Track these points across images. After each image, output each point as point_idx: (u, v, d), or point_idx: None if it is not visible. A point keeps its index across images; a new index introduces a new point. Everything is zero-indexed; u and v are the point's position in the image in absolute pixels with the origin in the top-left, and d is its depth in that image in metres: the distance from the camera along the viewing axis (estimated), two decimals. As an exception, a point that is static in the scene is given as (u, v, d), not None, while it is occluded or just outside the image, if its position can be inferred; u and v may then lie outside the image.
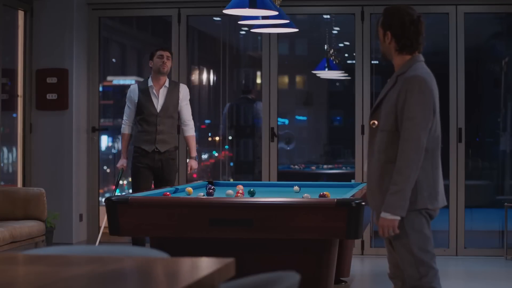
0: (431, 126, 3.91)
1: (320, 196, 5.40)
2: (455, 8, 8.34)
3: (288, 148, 10.84)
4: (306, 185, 6.60)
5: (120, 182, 7.50)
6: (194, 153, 7.26)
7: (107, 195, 9.18)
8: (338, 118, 12.56)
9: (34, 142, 8.69)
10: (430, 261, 3.94)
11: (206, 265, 2.35)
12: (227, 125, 9.93)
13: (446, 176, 5.45)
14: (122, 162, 7.22)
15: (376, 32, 4.13)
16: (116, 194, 7.13)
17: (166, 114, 7.12)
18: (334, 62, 9.95)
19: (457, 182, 8.25)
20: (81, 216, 8.78)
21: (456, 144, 8.28)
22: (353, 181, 7.21)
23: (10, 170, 8.96)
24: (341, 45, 11.00)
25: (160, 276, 2.21)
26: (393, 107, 3.91)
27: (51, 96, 8.63)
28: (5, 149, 8.83)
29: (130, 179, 7.56)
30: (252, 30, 7.08)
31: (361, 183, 6.80)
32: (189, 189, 6.05)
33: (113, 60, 11.22)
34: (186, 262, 2.40)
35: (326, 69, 10.01)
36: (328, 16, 10.11)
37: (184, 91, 7.23)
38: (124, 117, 7.23)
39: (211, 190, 5.94)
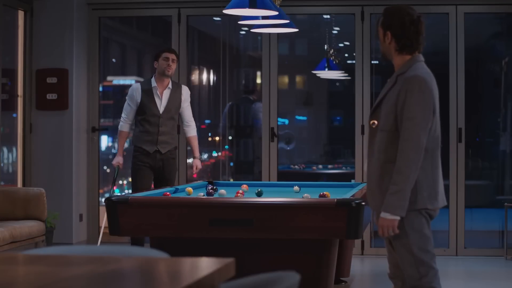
0: (431, 126, 3.91)
1: (320, 196, 5.40)
2: (455, 8, 8.34)
3: (288, 148, 10.83)
4: (306, 185, 6.60)
5: (120, 181, 7.49)
6: (197, 153, 7.27)
7: (107, 195, 9.18)
8: (338, 118, 12.56)
9: (34, 142, 8.69)
10: (430, 261, 3.94)
11: (206, 265, 2.34)
12: (227, 124, 9.93)
13: (446, 176, 5.46)
14: (118, 160, 7.17)
15: (376, 32, 4.13)
16: (115, 193, 7.12)
17: (168, 116, 7.12)
18: (334, 62, 9.95)
19: (457, 182, 8.25)
20: (81, 216, 8.78)
21: (456, 144, 8.28)
22: (353, 181, 7.21)
23: (10, 170, 8.97)
24: (341, 45, 11.00)
25: (160, 276, 2.21)
26: (393, 107, 3.91)
27: (51, 96, 8.63)
28: (5, 149, 8.83)
29: (130, 179, 7.55)
30: (252, 30, 7.08)
31: (361, 183, 6.80)
32: (189, 189, 6.05)
33: (113, 60, 11.22)
34: (186, 262, 2.40)
35: (326, 69, 10.01)
36: (328, 16, 10.11)
37: (185, 93, 7.24)
38: (123, 115, 7.17)
39: (211, 190, 5.94)
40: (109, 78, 10.87)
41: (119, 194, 7.26)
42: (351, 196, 5.27)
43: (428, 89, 3.89)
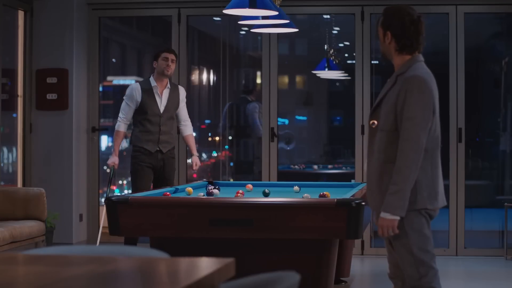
0: (431, 126, 3.91)
1: (320, 196, 5.40)
2: (455, 8, 8.34)
3: (288, 148, 10.83)
4: (306, 185, 6.60)
5: (120, 181, 7.48)
6: (195, 151, 7.30)
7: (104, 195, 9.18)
8: (338, 118, 12.55)
9: (34, 142, 8.69)
10: (430, 261, 3.94)
11: (206, 265, 2.34)
12: (227, 124, 9.93)
13: (446, 176, 5.46)
14: (113, 160, 7.13)
15: (376, 32, 4.13)
16: (114, 193, 7.11)
17: (168, 115, 7.15)
18: (334, 62, 9.95)
19: (457, 182, 8.25)
20: (81, 216, 8.78)
21: (456, 144, 8.28)
22: (353, 181, 7.22)
23: (10, 170, 8.96)
24: (341, 45, 11.00)
25: (160, 276, 2.21)
26: (393, 107, 3.91)
27: (51, 96, 8.63)
28: (5, 149, 8.83)
29: (130, 179, 7.54)
30: (252, 30, 7.08)
31: (361, 183, 6.80)
32: (189, 189, 6.06)
33: (113, 60, 11.22)
34: (186, 262, 2.40)
35: (326, 69, 10.01)
36: (328, 16, 10.11)
37: (182, 93, 7.31)
38: (121, 115, 7.12)
39: (212, 190, 5.94)
40: (109, 78, 10.87)
41: (119, 194, 7.25)
42: (351, 196, 5.27)
43: (428, 89, 3.89)
